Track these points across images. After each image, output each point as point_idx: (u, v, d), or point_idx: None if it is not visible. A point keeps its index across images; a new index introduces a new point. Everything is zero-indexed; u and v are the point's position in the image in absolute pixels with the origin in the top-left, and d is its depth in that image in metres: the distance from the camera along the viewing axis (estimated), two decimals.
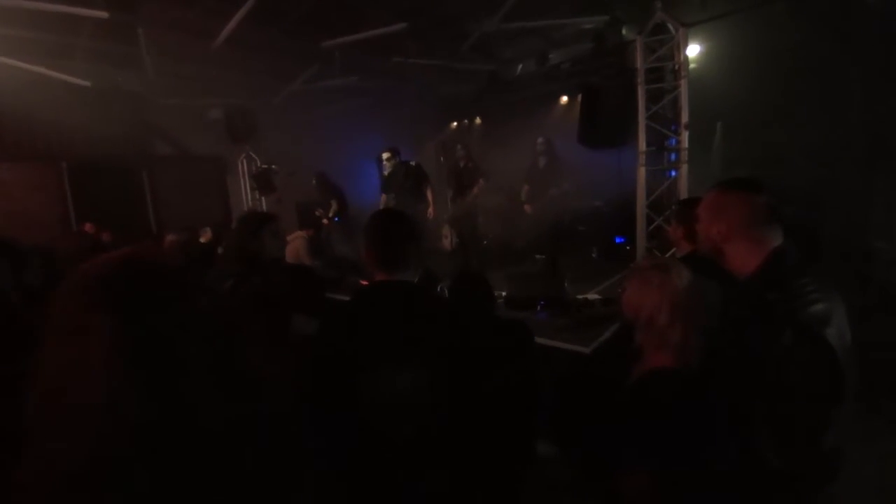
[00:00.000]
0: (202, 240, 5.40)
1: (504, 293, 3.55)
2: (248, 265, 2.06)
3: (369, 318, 1.34)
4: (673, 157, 4.89)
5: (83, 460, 0.50)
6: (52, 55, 5.32)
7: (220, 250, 4.66)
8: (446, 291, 2.28)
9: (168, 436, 0.53)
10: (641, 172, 4.79)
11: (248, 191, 8.11)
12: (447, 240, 6.90)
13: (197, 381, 0.57)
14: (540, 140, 5.81)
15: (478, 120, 8.61)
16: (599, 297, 3.63)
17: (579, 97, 5.88)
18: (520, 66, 7.37)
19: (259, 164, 7.96)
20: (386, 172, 5.74)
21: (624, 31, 5.65)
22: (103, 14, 4.23)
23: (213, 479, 0.55)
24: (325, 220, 6.38)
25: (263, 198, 7.81)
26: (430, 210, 5.49)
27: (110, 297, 0.57)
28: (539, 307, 3.39)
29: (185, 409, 0.55)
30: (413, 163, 5.72)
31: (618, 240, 5.92)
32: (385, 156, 5.46)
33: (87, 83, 5.85)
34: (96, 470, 0.50)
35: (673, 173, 4.90)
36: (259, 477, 0.59)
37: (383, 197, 5.79)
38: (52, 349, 0.55)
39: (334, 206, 6.33)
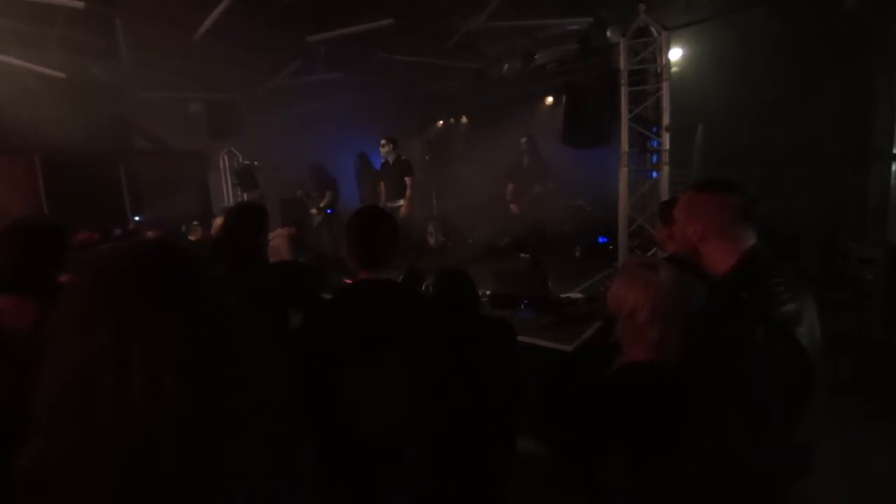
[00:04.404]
0: (192, 237, 5.31)
1: (489, 291, 3.57)
2: (246, 262, 2.00)
3: (351, 317, 1.34)
4: (655, 158, 4.95)
5: (108, 444, 0.49)
6: (24, 45, 5.14)
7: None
8: (430, 289, 2.28)
9: (203, 421, 0.52)
10: (624, 173, 4.84)
11: (230, 187, 7.96)
12: (432, 237, 6.90)
13: (237, 367, 0.56)
14: (523, 139, 5.83)
15: (464, 118, 8.61)
16: (582, 295, 3.67)
17: (564, 97, 5.93)
18: (506, 66, 7.38)
19: (241, 159, 7.82)
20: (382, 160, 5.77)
21: (608, 33, 5.69)
22: (79, 4, 4.10)
23: (238, 463, 0.54)
24: (313, 211, 6.38)
25: (245, 194, 7.68)
26: (405, 207, 5.41)
27: (146, 286, 0.54)
28: (523, 305, 3.42)
29: (221, 395, 0.54)
30: (404, 157, 5.70)
31: (601, 239, 5.98)
32: (382, 142, 5.44)
33: (61, 74, 5.68)
34: (122, 454, 0.49)
35: (655, 174, 4.96)
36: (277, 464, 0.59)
37: (381, 184, 5.84)
38: (73, 340, 0.52)
39: (328, 196, 6.25)
